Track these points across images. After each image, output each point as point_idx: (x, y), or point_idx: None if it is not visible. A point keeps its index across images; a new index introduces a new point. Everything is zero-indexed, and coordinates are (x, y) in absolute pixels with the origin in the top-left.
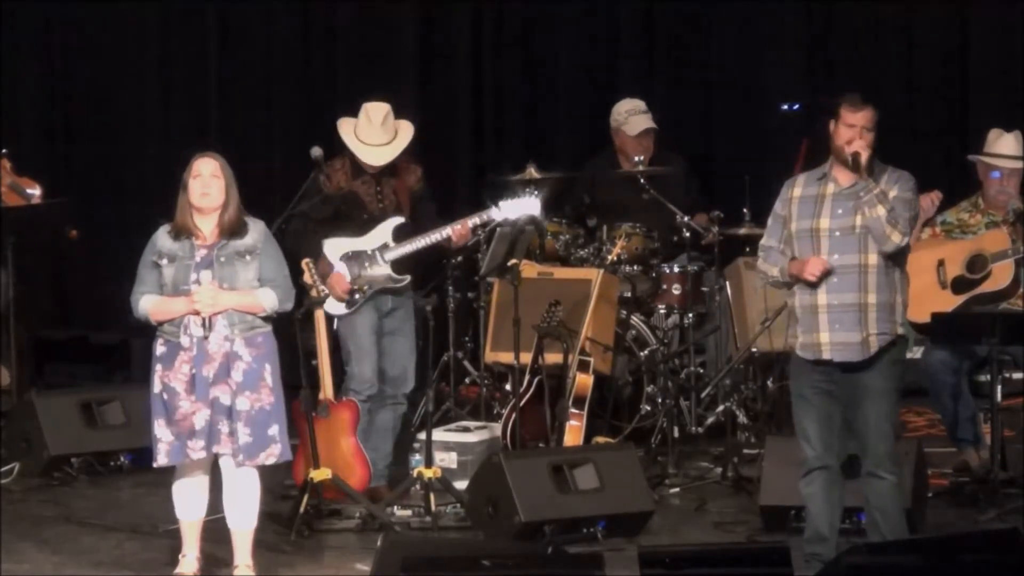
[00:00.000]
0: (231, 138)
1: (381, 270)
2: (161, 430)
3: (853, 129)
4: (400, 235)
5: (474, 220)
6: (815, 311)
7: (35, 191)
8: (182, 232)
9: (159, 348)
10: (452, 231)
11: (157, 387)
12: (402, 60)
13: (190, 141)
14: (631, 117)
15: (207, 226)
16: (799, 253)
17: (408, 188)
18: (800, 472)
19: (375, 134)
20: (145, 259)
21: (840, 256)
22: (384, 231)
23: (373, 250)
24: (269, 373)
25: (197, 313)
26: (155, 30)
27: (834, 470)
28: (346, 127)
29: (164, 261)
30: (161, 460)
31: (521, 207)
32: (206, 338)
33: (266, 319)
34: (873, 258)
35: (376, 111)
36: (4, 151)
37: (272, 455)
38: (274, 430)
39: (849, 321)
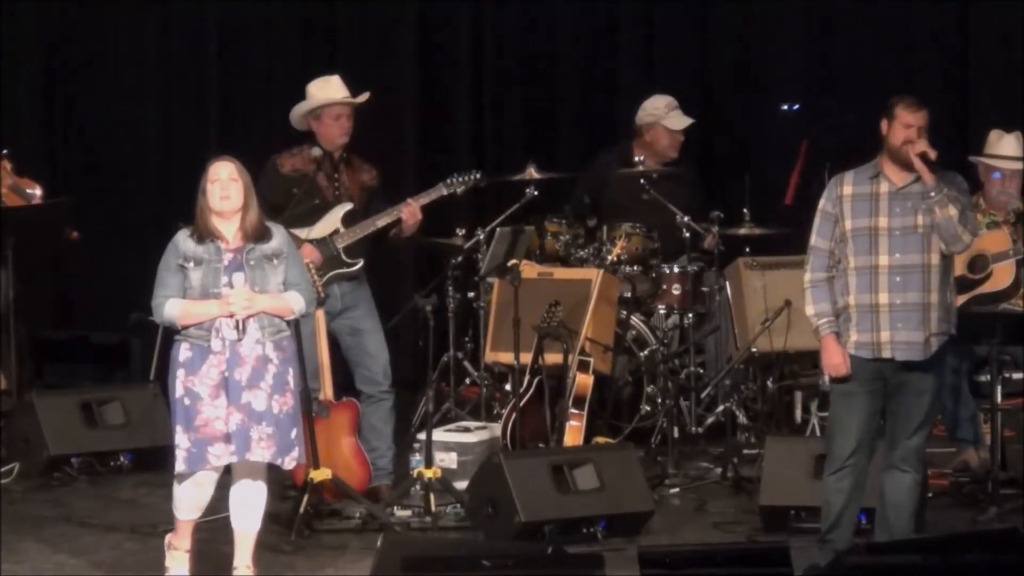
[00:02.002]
0: (231, 138)
1: (333, 256)
2: (180, 437)
3: (911, 129)
4: (349, 221)
5: (422, 199)
6: (876, 310)
7: (35, 191)
8: (205, 236)
9: (184, 353)
10: (402, 211)
11: (179, 392)
12: (402, 60)
13: (190, 141)
14: (671, 112)
15: (228, 230)
16: (855, 252)
17: (360, 183)
18: (828, 468)
19: (339, 88)
20: (167, 262)
21: (902, 255)
22: (333, 218)
23: (324, 237)
24: (291, 376)
25: (231, 316)
26: (155, 30)
27: (864, 469)
28: (312, 99)
29: (190, 264)
30: (180, 467)
31: (465, 180)
32: (239, 341)
33: (288, 323)
34: (935, 258)
35: (327, 79)
36: (4, 151)
37: (294, 458)
38: (295, 433)
39: (913, 320)
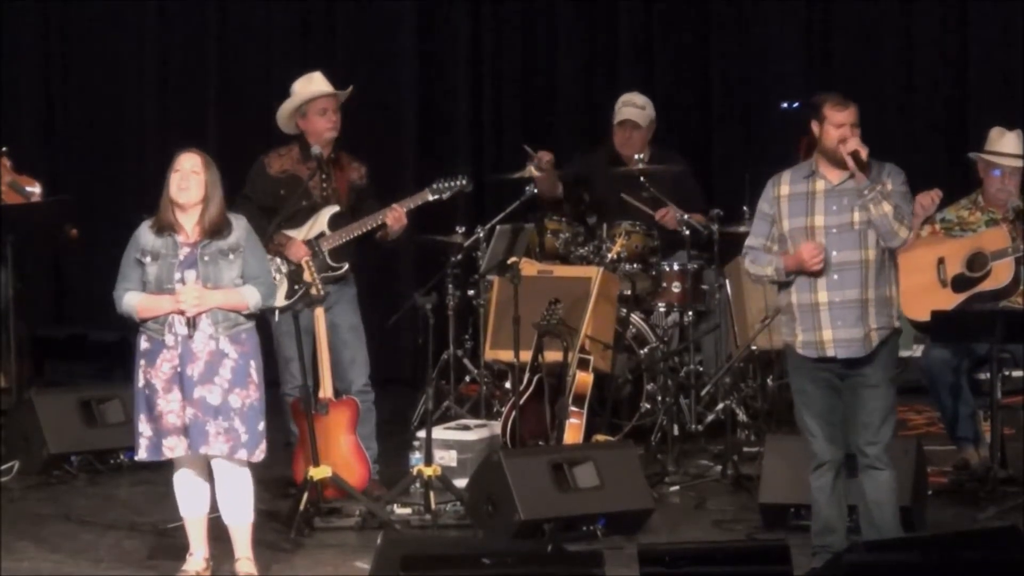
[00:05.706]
0: (231, 138)
1: (318, 259)
2: (143, 425)
3: (843, 128)
4: (336, 224)
5: (408, 204)
6: (816, 309)
7: (35, 189)
8: (164, 228)
9: (143, 344)
10: (387, 216)
11: (140, 382)
12: (402, 60)
13: (190, 141)
14: (622, 107)
15: (188, 223)
16: (794, 251)
17: (348, 181)
18: (809, 467)
19: (322, 82)
20: (128, 255)
21: (839, 252)
22: (320, 220)
23: (310, 240)
24: (254, 369)
25: (182, 312)
26: (155, 29)
27: (840, 463)
28: (296, 97)
29: (147, 259)
30: (141, 455)
31: (451, 185)
32: (191, 337)
33: (249, 316)
34: (872, 253)
35: (309, 76)
36: (4, 149)
37: (262, 451)
38: (262, 426)
39: (852, 317)
